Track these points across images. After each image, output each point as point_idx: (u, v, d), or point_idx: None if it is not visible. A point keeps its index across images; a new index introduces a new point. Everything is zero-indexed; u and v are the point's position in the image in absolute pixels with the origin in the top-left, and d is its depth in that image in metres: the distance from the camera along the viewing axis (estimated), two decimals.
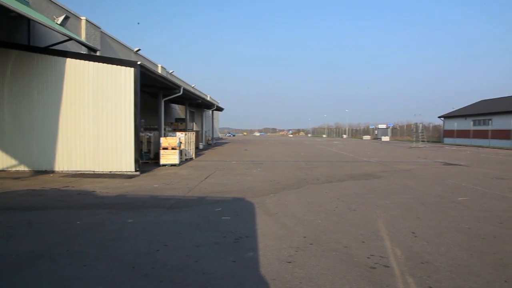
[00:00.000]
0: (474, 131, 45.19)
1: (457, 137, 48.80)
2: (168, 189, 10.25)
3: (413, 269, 4.44)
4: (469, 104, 55.69)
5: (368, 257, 4.81)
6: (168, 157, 16.24)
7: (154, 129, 20.02)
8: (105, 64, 13.39)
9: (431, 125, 65.98)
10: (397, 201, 8.78)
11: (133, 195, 9.25)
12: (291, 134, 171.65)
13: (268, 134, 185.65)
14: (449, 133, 51.37)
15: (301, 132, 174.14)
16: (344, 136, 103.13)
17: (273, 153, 27.48)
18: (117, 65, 13.33)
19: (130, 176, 12.63)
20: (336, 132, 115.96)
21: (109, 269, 4.38)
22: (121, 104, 13.23)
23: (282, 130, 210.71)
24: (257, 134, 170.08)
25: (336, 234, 5.89)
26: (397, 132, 77.48)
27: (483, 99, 55.23)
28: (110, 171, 13.25)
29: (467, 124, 47.01)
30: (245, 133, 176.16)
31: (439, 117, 55.19)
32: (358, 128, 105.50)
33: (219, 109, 47.20)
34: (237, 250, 5.06)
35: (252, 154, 26.12)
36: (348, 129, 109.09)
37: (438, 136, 57.64)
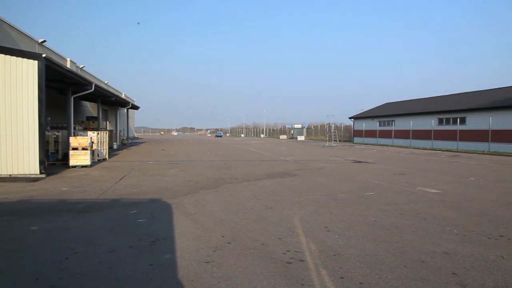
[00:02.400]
0: (380, 131, 49.15)
1: (366, 136, 52.67)
2: (79, 192, 9.59)
3: (326, 262, 4.68)
4: (376, 106, 60.46)
5: (284, 253, 4.97)
6: (79, 158, 15.20)
7: (62, 128, 18.60)
8: (1, 55, 12.04)
9: (342, 125, 70.34)
10: (312, 198, 9.21)
11: (38, 200, 8.49)
12: (210, 133, 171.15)
13: (187, 133, 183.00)
14: (359, 133, 55.24)
15: (219, 132, 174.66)
16: (262, 135, 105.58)
17: (191, 152, 27.17)
18: (17, 56, 12.08)
19: (35, 179, 11.58)
20: (254, 131, 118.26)
21: (8, 283, 3.96)
22: (23, 100, 12.04)
23: (201, 130, 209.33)
24: (175, 133, 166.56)
25: (253, 232, 5.99)
26: (312, 131, 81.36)
27: (388, 102, 60.38)
28: (10, 174, 12.01)
29: (374, 125, 50.97)
30: (162, 133, 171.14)
31: (349, 118, 59.05)
32: (275, 128, 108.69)
33: (135, 107, 45.42)
34: (154, 253, 4.90)
35: (169, 153, 25.55)
36: (266, 128, 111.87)
37: (349, 135, 61.63)
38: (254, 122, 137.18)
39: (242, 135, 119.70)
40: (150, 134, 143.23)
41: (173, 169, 15.10)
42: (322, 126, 73.85)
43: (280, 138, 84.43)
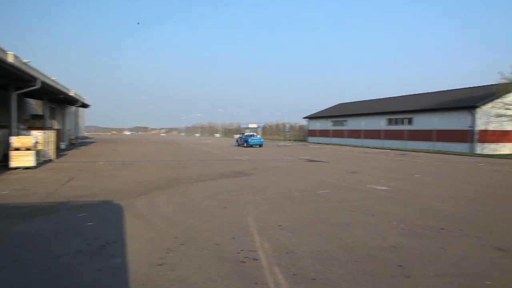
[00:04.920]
0: (333, 131, 50.52)
1: (320, 136, 53.90)
2: (21, 195, 9.05)
3: (280, 260, 4.73)
4: (329, 106, 62.01)
5: (239, 252, 4.97)
6: (21, 159, 14.35)
7: (3, 127, 17.45)
8: None
9: (297, 125, 71.58)
10: (266, 197, 9.28)
11: None
12: (164, 133, 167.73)
13: (140, 133, 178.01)
14: (313, 133, 56.43)
15: (174, 131, 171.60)
16: (217, 135, 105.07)
17: (144, 152, 26.52)
18: None
19: None
20: (209, 131, 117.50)
21: None
22: None
23: (155, 129, 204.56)
24: (128, 133, 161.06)
25: (207, 232, 5.94)
26: (267, 131, 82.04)
27: (341, 102, 62.11)
28: None
29: (327, 125, 52.30)
30: (113, 132, 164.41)
31: (304, 117, 60.18)
32: (230, 128, 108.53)
33: (85, 105, 43.61)
34: (104, 258, 4.72)
35: (122, 154, 24.79)
36: (221, 128, 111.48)
37: (304, 135, 62.80)
38: (209, 122, 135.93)
39: (197, 135, 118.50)
40: (101, 133, 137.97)
41: (125, 170, 14.66)
42: (277, 125, 74.78)
43: (235, 137, 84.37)
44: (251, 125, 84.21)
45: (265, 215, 7.28)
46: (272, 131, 79.76)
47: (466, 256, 4.98)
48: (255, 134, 38.05)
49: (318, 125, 55.09)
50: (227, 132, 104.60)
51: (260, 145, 35.63)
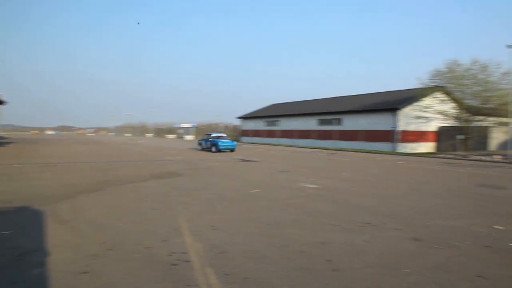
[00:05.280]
0: (266, 130, 51.40)
1: (253, 136, 54.55)
2: None
3: (212, 260, 4.71)
4: (263, 107, 62.97)
5: (170, 255, 4.86)
6: None
7: None
8: None
9: (231, 125, 71.74)
10: (199, 197, 9.18)
11: None
12: (92, 132, 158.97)
13: (65, 132, 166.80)
14: (247, 133, 56.96)
15: (103, 131, 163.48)
16: (149, 135, 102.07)
17: (69, 153, 24.94)
18: None
19: None
20: (141, 131, 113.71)
21: None
22: None
23: (81, 129, 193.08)
24: (52, 132, 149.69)
25: (137, 236, 5.73)
26: (201, 131, 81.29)
27: (275, 103, 63.33)
28: None
29: (261, 125, 53.10)
30: (35, 132, 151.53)
31: (237, 117, 60.51)
32: (163, 127, 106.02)
33: (0, 102, 39.92)
34: (20, 269, 4.35)
35: (44, 155, 23.07)
36: (153, 128, 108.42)
37: (237, 135, 63.15)
38: (141, 121, 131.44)
39: (128, 134, 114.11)
40: (20, 133, 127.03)
41: (47, 173, 13.66)
42: (211, 125, 74.45)
43: (168, 137, 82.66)
44: (184, 125, 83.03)
45: (198, 215, 7.20)
46: (206, 131, 79.24)
47: (387, 248, 5.33)
48: (224, 135, 31.27)
49: (251, 125, 55.75)
50: (160, 131, 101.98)
51: (232, 150, 28.56)
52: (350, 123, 36.74)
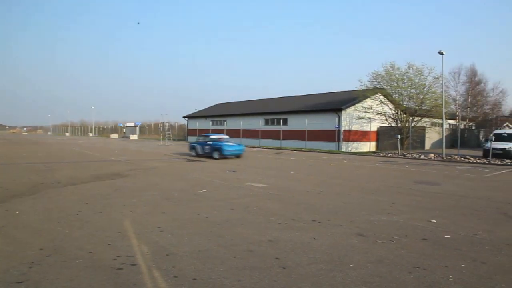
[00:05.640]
0: (213, 130, 51.02)
1: (199, 135, 53.98)
2: None
3: (159, 262, 4.60)
4: (209, 106, 62.48)
5: (115, 259, 4.68)
6: None
7: None
8: None
9: (177, 124, 70.53)
10: (144, 198, 8.93)
11: None
12: (26, 132, 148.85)
13: None
14: (193, 132, 56.15)
15: (39, 130, 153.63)
16: (90, 134, 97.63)
17: (1, 154, 23.19)
18: None
19: None
20: (82, 130, 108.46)
21: None
22: None
23: (15, 127, 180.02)
24: None
25: (79, 241, 5.45)
26: (145, 130, 79.12)
27: (221, 102, 63.07)
28: None
29: (207, 124, 52.64)
30: None
31: (183, 117, 59.57)
32: (105, 126, 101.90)
33: None
34: None
35: None
36: (95, 127, 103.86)
37: (184, 134, 62.14)
38: (81, 120, 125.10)
39: (67, 134, 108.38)
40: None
41: None
42: (156, 124, 72.71)
43: (111, 137, 79.57)
44: (128, 124, 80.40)
45: (143, 217, 7.00)
46: (151, 131, 77.25)
47: (333, 244, 5.50)
48: (225, 136, 24.38)
49: (197, 124, 55.16)
50: (102, 131, 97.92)
51: (239, 156, 22.39)
52: (296, 122, 37.52)
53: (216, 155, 21.34)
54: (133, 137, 71.28)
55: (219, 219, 6.93)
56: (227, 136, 24.17)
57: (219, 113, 52.30)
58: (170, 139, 44.95)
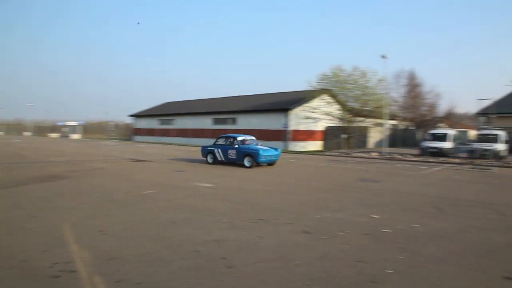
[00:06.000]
0: (161, 129, 49.92)
1: (147, 135, 52.50)
2: None
3: (101, 268, 4.40)
4: (157, 105, 60.99)
5: (51, 266, 4.41)
6: None
7: None
8: None
9: (123, 123, 68.19)
10: (86, 201, 8.53)
11: None
12: None
13: None
14: (139, 131, 54.62)
15: None
16: (27, 133, 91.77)
17: None
18: None
19: None
20: (17, 129, 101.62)
21: None
22: None
23: None
24: None
25: (11, 249, 5.09)
26: (89, 129, 75.69)
27: (169, 101, 61.77)
28: None
29: (155, 123, 51.39)
30: None
31: (129, 115, 57.72)
32: (44, 125, 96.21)
33: None
34: None
35: None
36: (32, 125, 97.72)
37: (130, 134, 60.24)
38: (16, 117, 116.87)
39: (1, 133, 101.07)
40: None
41: None
42: (100, 123, 69.87)
43: (51, 136, 75.29)
44: (69, 123, 76.49)
45: (85, 221, 6.67)
46: (95, 130, 74.03)
47: (279, 242, 5.56)
48: (251, 137, 19.07)
49: (145, 123, 53.69)
50: (40, 130, 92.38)
51: (272, 163, 17.66)
52: (245, 122, 37.69)
53: (247, 162, 16.69)
54: (75, 136, 68.03)
55: (165, 220, 6.77)
56: (253, 137, 19.31)
57: (167, 112, 51.25)
58: (116, 139, 43.31)
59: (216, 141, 19.07)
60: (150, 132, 52.07)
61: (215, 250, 5.11)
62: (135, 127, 56.41)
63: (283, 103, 35.53)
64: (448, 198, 9.71)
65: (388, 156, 24.77)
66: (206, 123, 42.26)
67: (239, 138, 17.92)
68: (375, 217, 7.28)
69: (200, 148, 20.29)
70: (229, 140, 18.22)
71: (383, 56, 25.96)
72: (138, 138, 54.34)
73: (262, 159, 16.41)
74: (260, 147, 17.48)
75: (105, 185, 10.90)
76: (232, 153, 17.44)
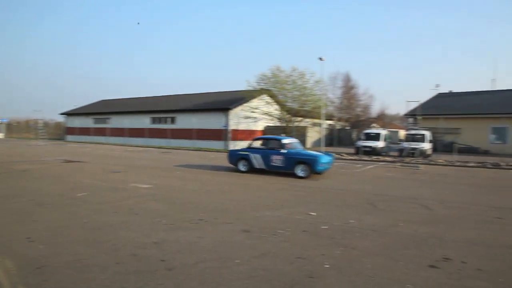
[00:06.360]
0: (95, 128, 47.61)
1: (80, 134, 49.82)
2: None
3: (28, 278, 4.10)
4: (91, 103, 58.08)
5: None
6: None
7: None
8: None
9: (53, 121, 64.11)
10: (10, 206, 7.90)
11: None
12: None
13: None
14: (72, 130, 51.69)
15: None
16: None
17: None
18: None
19: None
20: None
21: None
22: None
23: None
24: None
25: None
26: (14, 128, 70.16)
27: (104, 99, 59.08)
28: None
29: (89, 122, 48.90)
30: None
31: (61, 114, 54.42)
32: None
33: None
34: None
35: None
36: None
37: (61, 133, 56.78)
38: None
39: None
40: None
41: None
42: (28, 122, 65.09)
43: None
44: None
45: (9, 227, 6.18)
46: (21, 129, 68.80)
47: (220, 241, 5.55)
48: (294, 140, 16.13)
49: (78, 122, 50.93)
50: None
51: (321, 172, 14.31)
52: (184, 121, 37.12)
53: (301, 171, 13.70)
54: None
55: (100, 224, 6.47)
56: (297, 140, 16.65)
57: (102, 110, 49.00)
58: (45, 138, 40.58)
59: (250, 144, 16.14)
60: (84, 131, 49.48)
61: (154, 253, 4.98)
62: (67, 126, 53.32)
63: (223, 103, 35.51)
64: (381, 194, 10.29)
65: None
66: (144, 122, 41.04)
67: (285, 141, 14.86)
68: (313, 215, 7.51)
69: (228, 154, 16.68)
70: (270, 143, 15.33)
71: (320, 58, 26.87)
72: (70, 137, 51.42)
73: (320, 167, 13.76)
74: (315, 152, 15.14)
75: (33, 188, 10.18)
76: (277, 160, 14.31)
